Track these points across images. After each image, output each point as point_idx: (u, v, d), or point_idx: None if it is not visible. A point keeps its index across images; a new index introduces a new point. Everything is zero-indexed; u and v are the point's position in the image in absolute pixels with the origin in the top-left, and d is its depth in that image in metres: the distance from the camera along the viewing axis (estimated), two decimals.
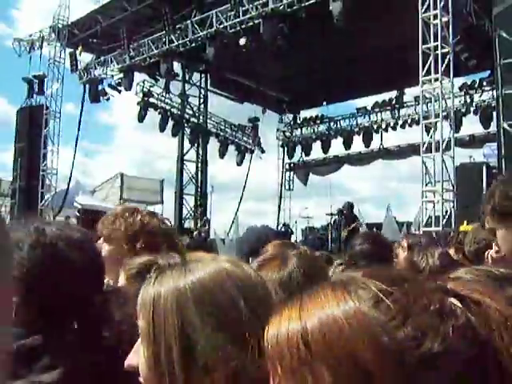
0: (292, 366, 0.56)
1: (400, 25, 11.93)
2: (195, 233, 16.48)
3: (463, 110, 17.66)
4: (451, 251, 3.41)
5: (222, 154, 21.28)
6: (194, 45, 15.17)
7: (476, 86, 17.59)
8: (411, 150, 17.18)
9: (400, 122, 19.92)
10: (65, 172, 18.43)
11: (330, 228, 15.32)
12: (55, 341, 1.19)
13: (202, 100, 20.97)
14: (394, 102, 19.97)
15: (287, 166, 23.31)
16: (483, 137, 16.85)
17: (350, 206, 13.45)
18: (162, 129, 19.31)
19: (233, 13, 13.82)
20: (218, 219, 24.50)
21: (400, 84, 18.61)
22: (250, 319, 0.92)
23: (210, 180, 21.39)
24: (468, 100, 17.80)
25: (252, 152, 22.10)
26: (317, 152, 22.08)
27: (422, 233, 9.30)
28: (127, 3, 15.46)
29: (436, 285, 0.58)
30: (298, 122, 23.09)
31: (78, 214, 16.93)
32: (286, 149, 23.13)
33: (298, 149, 22.76)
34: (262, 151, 22.55)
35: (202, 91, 20.92)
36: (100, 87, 18.05)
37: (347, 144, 21.08)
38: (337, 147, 21.52)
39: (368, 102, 20.95)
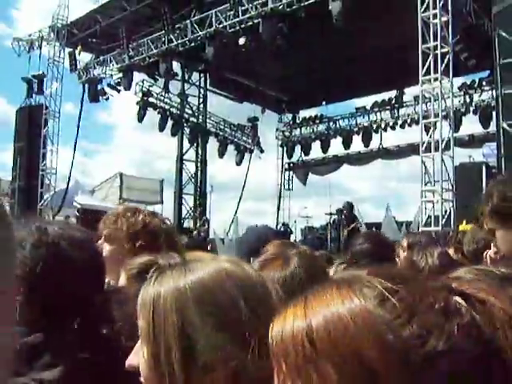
0: (297, 363, 0.56)
1: (399, 24, 11.94)
2: (194, 232, 16.48)
3: (463, 110, 17.66)
4: (450, 251, 3.40)
5: (221, 154, 21.27)
6: (193, 44, 15.19)
7: (475, 85, 17.59)
8: (410, 149, 17.18)
9: (399, 122, 19.91)
10: (64, 172, 18.48)
11: (329, 228, 15.34)
12: (56, 339, 1.20)
13: (201, 100, 20.94)
14: (393, 101, 19.96)
15: (286, 166, 23.30)
16: (483, 136, 16.86)
17: (350, 205, 13.43)
18: (162, 128, 19.30)
19: (232, 12, 13.83)
20: (217, 219, 24.57)
21: (399, 84, 18.61)
22: (250, 319, 0.91)
23: (209, 180, 21.42)
24: (467, 100, 17.80)
25: (251, 152, 22.09)
26: (316, 152, 22.11)
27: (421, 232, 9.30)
28: (126, 3, 15.46)
29: (441, 283, 0.58)
30: (298, 121, 23.08)
31: (77, 213, 16.92)
32: (285, 148, 23.12)
33: (298, 148, 22.75)
34: (262, 151, 22.55)
35: (202, 91, 20.89)
36: (99, 87, 18.03)
37: (346, 144, 21.07)
38: (336, 147, 21.55)
39: (367, 101, 21.00)
